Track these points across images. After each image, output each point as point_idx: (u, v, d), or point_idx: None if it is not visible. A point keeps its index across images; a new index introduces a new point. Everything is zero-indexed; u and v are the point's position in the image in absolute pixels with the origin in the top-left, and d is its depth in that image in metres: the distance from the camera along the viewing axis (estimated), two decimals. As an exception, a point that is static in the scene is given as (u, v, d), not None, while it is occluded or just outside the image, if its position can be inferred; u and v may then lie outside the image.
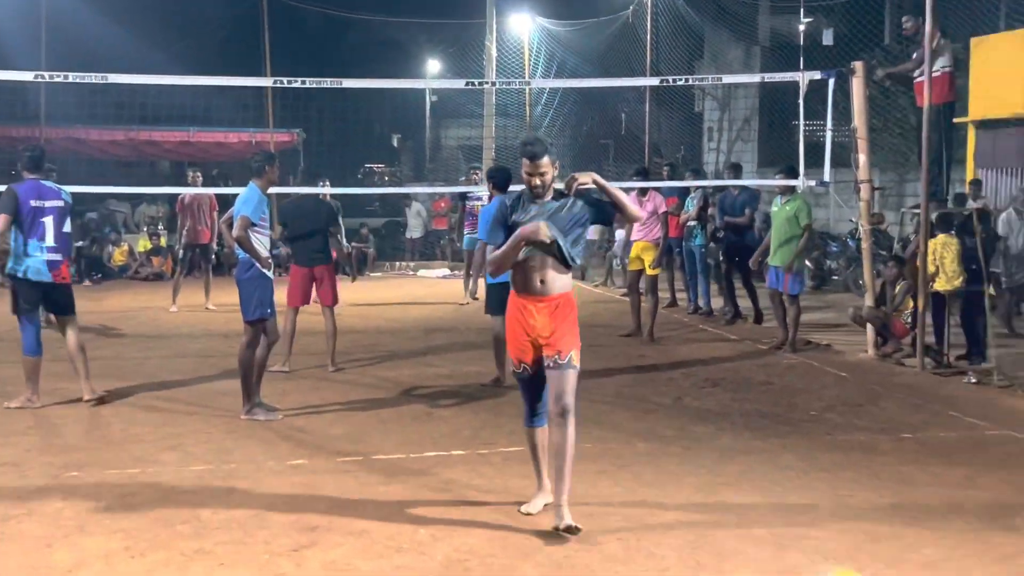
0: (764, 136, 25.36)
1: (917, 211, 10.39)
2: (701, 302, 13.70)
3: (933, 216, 9.92)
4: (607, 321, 12.96)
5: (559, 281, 5.29)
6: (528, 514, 5.39)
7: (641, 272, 11.62)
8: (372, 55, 34.50)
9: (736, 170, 13.86)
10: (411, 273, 20.85)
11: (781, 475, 6.25)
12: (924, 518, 5.44)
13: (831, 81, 10.44)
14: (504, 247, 5.25)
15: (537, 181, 5.25)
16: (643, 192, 11.59)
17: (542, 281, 5.26)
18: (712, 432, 7.39)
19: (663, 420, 7.79)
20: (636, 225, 11.15)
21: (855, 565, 4.76)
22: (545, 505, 5.42)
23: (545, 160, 5.23)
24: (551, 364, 5.21)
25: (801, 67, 11.01)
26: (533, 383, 5.39)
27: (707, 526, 5.32)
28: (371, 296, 15.93)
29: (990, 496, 5.88)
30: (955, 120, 13.10)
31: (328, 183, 11.45)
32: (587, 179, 5.27)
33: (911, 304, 10.15)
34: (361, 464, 6.49)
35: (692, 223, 13.38)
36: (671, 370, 9.83)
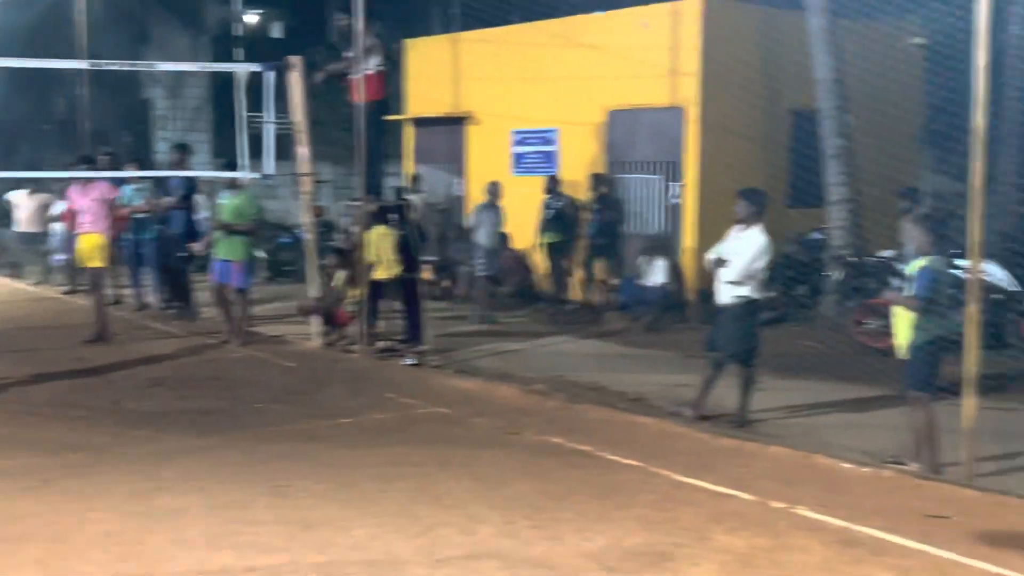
0: (217, 126, 25.01)
1: (357, 203, 10.82)
2: (149, 298, 13.16)
3: (371, 208, 10.42)
4: (44, 322, 11.94)
5: None
6: None
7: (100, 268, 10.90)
8: None
9: (182, 149, 13.24)
10: None
11: (221, 472, 6.15)
12: (356, 499, 5.65)
13: (270, 74, 10.46)
14: None
15: None
16: (88, 181, 10.87)
17: None
18: (151, 435, 7.10)
19: (99, 427, 7.34)
20: (85, 217, 10.70)
21: (288, 556, 4.79)
22: None
23: None
24: None
25: (238, 58, 10.96)
26: None
27: (138, 535, 5.05)
28: None
29: (418, 471, 6.25)
30: (392, 117, 13.91)
31: None
32: None
33: (354, 293, 10.57)
34: None
35: (141, 215, 12.77)
36: (111, 372, 9.29)
